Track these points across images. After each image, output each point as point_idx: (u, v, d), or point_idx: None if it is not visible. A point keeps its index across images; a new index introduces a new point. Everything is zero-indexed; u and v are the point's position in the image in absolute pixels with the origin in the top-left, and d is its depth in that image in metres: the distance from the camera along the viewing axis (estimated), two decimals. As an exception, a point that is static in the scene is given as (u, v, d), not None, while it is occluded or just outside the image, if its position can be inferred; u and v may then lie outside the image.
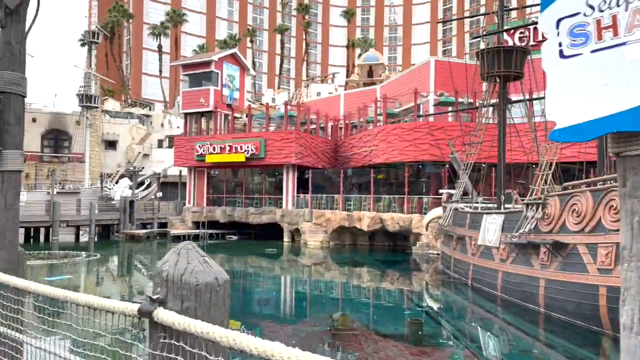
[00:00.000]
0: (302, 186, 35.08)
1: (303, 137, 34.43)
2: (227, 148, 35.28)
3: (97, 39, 52.22)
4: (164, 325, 2.16)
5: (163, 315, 2.16)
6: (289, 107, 36.92)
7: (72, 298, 2.60)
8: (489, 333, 13.73)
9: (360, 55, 73.44)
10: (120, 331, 2.55)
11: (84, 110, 51.19)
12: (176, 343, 2.13)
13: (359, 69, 59.46)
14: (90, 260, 26.67)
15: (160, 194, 46.06)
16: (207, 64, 38.25)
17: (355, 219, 30.26)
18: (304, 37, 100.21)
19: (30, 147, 53.97)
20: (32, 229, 35.77)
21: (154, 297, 2.25)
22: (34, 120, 55.00)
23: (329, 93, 57.32)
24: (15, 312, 3.48)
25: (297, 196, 34.67)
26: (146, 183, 48.91)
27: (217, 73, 38.28)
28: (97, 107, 52.77)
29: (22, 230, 34.35)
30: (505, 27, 22.69)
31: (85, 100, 50.42)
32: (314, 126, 37.82)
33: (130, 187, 46.62)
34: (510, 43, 30.68)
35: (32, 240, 35.91)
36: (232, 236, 37.06)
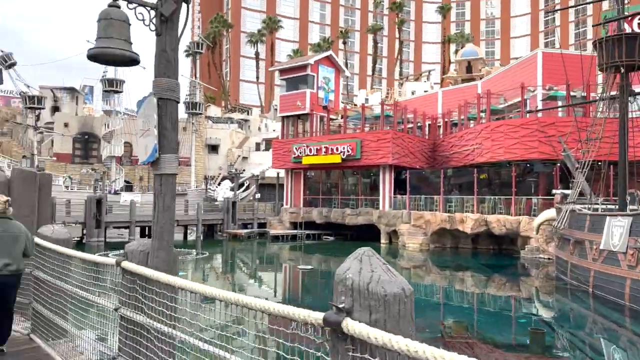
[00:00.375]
0: (398, 187, 34.50)
1: (400, 137, 33.85)
2: (323, 149, 35.61)
3: (201, 49, 55.25)
4: (353, 337, 2.02)
5: (354, 326, 2.01)
6: (385, 106, 36.47)
7: (244, 302, 2.55)
8: (615, 346, 12.50)
9: (457, 51, 71.03)
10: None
11: (190, 116, 54.41)
12: (371, 358, 1.97)
13: (456, 65, 57.48)
14: (199, 258, 28.14)
15: (258, 195, 47.66)
16: (304, 67, 38.91)
17: (457, 220, 29.15)
18: (398, 35, 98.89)
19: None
20: (147, 227, 38.55)
21: (340, 306, 2.11)
22: (145, 127, 59.43)
23: (425, 91, 55.99)
24: (172, 310, 3.57)
25: (394, 197, 34.13)
26: (245, 185, 50.86)
27: (313, 76, 38.81)
28: (201, 114, 55.84)
29: (138, 229, 37.19)
30: (625, 14, 20.64)
31: (191, 107, 53.56)
32: (410, 125, 37.05)
33: (232, 189, 48.75)
34: (628, 31, 27.99)
35: (146, 238, 38.71)
36: (329, 237, 37.35)
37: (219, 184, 55.32)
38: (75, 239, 30.96)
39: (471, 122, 35.43)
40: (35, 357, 5.21)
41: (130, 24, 3.67)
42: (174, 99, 3.79)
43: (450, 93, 41.39)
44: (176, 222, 37.37)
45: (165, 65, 3.73)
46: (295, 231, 37.00)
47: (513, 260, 26.60)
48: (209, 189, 50.89)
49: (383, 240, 33.52)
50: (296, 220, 38.09)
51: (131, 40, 3.70)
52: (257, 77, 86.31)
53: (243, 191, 50.55)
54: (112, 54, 3.58)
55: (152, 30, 3.72)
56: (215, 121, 65.64)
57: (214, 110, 70.19)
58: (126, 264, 3.79)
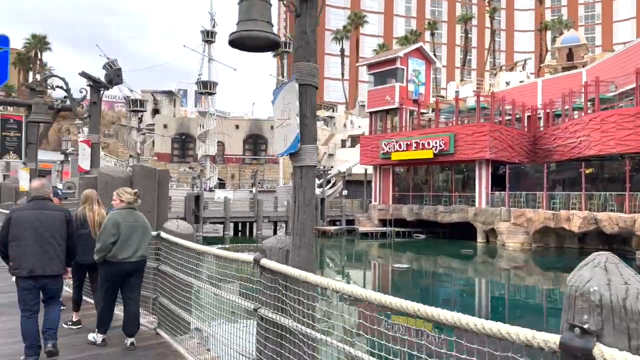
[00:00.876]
0: (495, 183, 32.73)
1: (497, 130, 32.07)
2: (414, 145, 34.63)
3: (289, 48, 56.08)
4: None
5: (612, 355, 1.54)
6: (480, 98, 34.74)
7: (416, 310, 2.15)
8: None
9: (554, 38, 66.44)
10: None
11: (278, 114, 55.52)
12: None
13: (555, 53, 53.68)
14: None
15: (345, 192, 47.55)
16: (392, 60, 38.11)
17: (562, 218, 27.05)
18: (489, 24, 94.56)
19: (235, 151, 60.51)
20: (239, 223, 39.80)
21: (585, 326, 1.65)
22: (237, 127, 61.54)
23: (520, 81, 52.82)
24: (313, 311, 3.29)
25: (492, 193, 32.42)
26: (332, 182, 50.92)
27: (403, 69, 37.88)
28: (288, 111, 56.79)
29: (232, 225, 38.46)
30: None
31: (279, 105, 54.61)
32: (508, 117, 35.01)
33: (319, 186, 49.06)
34: None
35: (239, 233, 39.98)
36: (420, 235, 36.33)
37: (306, 181, 55.92)
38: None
39: (575, 112, 32.79)
40: (164, 353, 5.20)
41: (271, 5, 3.42)
42: (314, 84, 3.48)
43: (551, 82, 38.64)
44: (267, 218, 38.41)
45: (305, 47, 3.44)
46: (385, 228, 36.39)
47: (627, 261, 23.97)
48: (297, 185, 51.54)
49: (479, 239, 31.98)
50: (385, 218, 37.44)
51: (272, 23, 3.44)
52: (342, 74, 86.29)
53: (329, 188, 50.67)
54: (255, 36, 3.33)
55: (291, 12, 3.44)
56: (301, 119, 66.44)
57: (301, 108, 71.13)
58: (266, 262, 3.55)
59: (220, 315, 4.68)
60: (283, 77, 59.47)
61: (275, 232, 40.60)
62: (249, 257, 3.78)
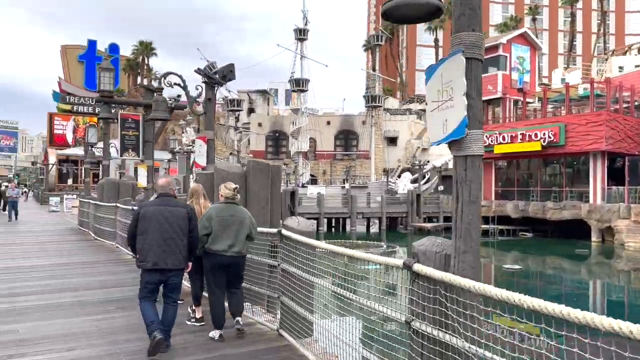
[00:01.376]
0: (611, 177, 29.77)
1: (615, 119, 29.11)
2: (519, 137, 32.44)
3: (381, 41, 55.23)
4: None
5: None
6: (594, 85, 31.75)
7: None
8: None
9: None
10: None
11: (370, 110, 54.90)
12: None
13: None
14: (389, 252, 27.81)
15: (441, 188, 45.88)
16: (494, 48, 35.99)
17: (697, 216, 23.95)
18: (599, 6, 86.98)
19: (326, 147, 60.83)
20: (333, 219, 39.79)
21: None
22: (328, 123, 61.80)
23: (636, 66, 47.75)
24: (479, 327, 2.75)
25: (608, 189, 29.52)
26: (426, 177, 49.36)
27: (505, 56, 35.65)
28: (380, 106, 55.95)
29: (326, 220, 38.53)
30: None
31: (371, 100, 53.96)
32: (626, 105, 31.67)
33: (413, 181, 47.80)
34: None
35: (332, 229, 39.97)
36: (526, 233, 34.05)
37: (398, 176, 54.83)
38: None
39: None
40: (290, 357, 4.91)
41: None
42: (479, 57, 2.92)
43: (678, 64, 34.45)
44: (361, 214, 38.05)
45: (470, 15, 2.90)
46: (487, 226, 34.50)
47: None
48: (390, 181, 50.66)
49: (594, 238, 29.28)
50: (487, 215, 35.50)
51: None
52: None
53: (424, 183, 49.19)
54: (415, 2, 2.84)
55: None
56: (393, 113, 65.27)
57: (392, 102, 69.91)
58: (421, 268, 3.06)
59: (346, 317, 4.28)
60: (374, 71, 58.60)
61: (368, 229, 40.08)
62: (396, 261, 3.32)
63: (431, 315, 3.04)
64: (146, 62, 75.65)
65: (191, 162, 40.79)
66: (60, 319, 6.25)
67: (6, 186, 29.51)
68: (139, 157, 11.97)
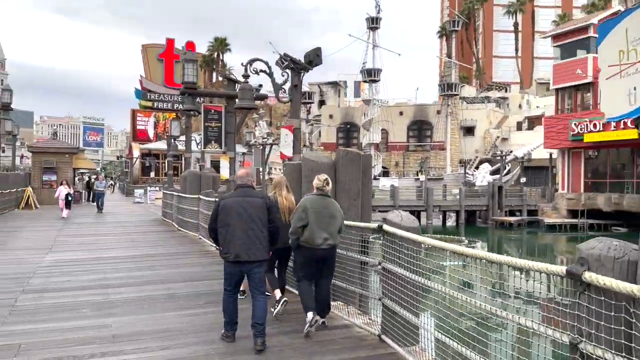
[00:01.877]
0: None
1: None
2: (613, 124, 29.79)
3: (457, 26, 53.07)
4: None
5: None
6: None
7: None
8: None
9: None
10: None
11: (445, 98, 52.97)
12: None
13: None
14: (470, 247, 26.55)
15: (523, 180, 43.44)
16: (583, 29, 33.32)
17: None
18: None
19: (399, 139, 59.54)
20: (408, 211, 38.67)
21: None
22: (400, 113, 60.40)
23: None
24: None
25: None
26: (507, 168, 46.93)
27: (596, 38, 32.84)
28: (457, 95, 53.84)
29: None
30: None
31: (446, 88, 52.04)
32: None
33: (492, 172, 45.62)
34: None
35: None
36: (620, 228, 31.34)
37: (476, 168, 52.58)
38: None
39: None
40: (398, 368, 4.40)
41: None
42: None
43: None
44: (438, 207, 36.79)
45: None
46: (576, 220, 32.15)
47: None
48: (467, 173, 48.68)
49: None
50: (575, 208, 33.07)
51: None
52: (517, 50, 79.39)
53: (504, 175, 46.83)
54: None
55: None
56: (470, 101, 62.68)
57: (468, 90, 67.16)
58: (594, 278, 2.41)
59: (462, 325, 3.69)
60: (450, 58, 56.42)
61: (444, 222, 38.70)
62: (557, 268, 2.69)
63: (610, 338, 2.39)
64: (221, 57, 77.65)
65: (266, 154, 41.35)
66: (152, 313, 6.12)
67: (95, 179, 31.24)
68: (221, 148, 11.89)
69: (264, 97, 11.20)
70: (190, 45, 68.98)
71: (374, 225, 5.26)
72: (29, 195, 25.42)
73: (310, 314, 5.22)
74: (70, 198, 20.47)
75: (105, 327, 5.51)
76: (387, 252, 4.97)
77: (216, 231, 5.01)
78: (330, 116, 63.44)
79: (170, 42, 64.68)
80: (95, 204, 24.77)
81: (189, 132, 15.84)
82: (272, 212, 5.12)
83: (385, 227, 4.96)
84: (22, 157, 66.60)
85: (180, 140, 19.54)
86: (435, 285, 4.14)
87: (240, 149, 50.03)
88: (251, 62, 9.23)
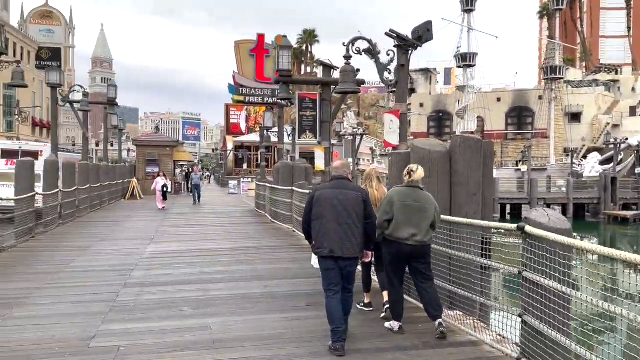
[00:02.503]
0: None
1: None
2: None
3: (561, 5, 48.88)
4: None
5: None
6: None
7: None
8: None
9: None
10: None
11: (548, 83, 49.07)
12: None
13: None
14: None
15: (638, 170, 39.14)
16: None
17: None
18: None
19: (496, 127, 56.26)
20: (507, 205, 36.30)
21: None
22: (498, 100, 56.99)
23: None
24: None
25: None
26: (619, 158, 42.51)
27: None
28: (561, 78, 49.70)
29: (498, 207, 35.24)
30: None
31: (550, 72, 48.17)
32: None
33: (606, 161, 41.56)
34: None
35: (507, 216, 36.49)
36: None
37: (584, 157, 48.30)
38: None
39: None
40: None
41: None
42: None
43: None
44: (543, 200, 34.09)
45: None
46: None
47: None
48: (574, 163, 44.82)
49: None
50: None
51: None
52: (628, 29, 72.01)
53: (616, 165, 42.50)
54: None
55: None
56: (575, 85, 57.70)
57: (573, 73, 61.91)
58: None
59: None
60: (554, 39, 52.10)
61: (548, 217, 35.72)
62: None
63: None
64: (309, 49, 78.09)
65: (357, 145, 40.71)
66: (252, 315, 5.70)
67: (191, 171, 32.37)
68: (315, 138, 11.37)
69: (362, 83, 10.48)
70: (279, 40, 70.64)
71: (510, 225, 4.38)
72: (134, 187, 26.77)
73: (396, 325, 5.08)
74: (166, 189, 20.23)
75: (204, 329, 5.14)
76: (531, 259, 4.07)
77: (310, 224, 4.80)
78: (421, 104, 61.40)
79: (261, 37, 66.40)
80: (192, 194, 25.50)
81: (281, 122, 15.51)
82: (369, 207, 4.85)
83: (530, 228, 4.06)
84: (128, 150, 71.50)
85: (273, 132, 19.32)
86: (618, 310, 3.18)
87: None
88: (353, 41, 8.51)
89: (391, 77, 8.40)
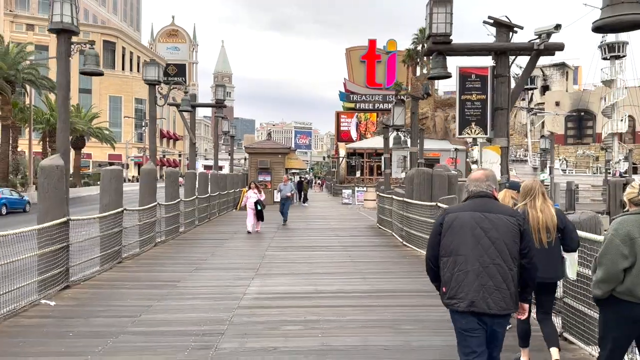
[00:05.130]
0: None
1: None
2: None
3: None
4: None
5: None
6: None
7: None
8: None
9: None
10: None
11: None
12: None
13: None
14: None
15: None
16: None
17: None
18: None
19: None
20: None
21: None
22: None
23: None
24: None
25: None
26: None
27: None
28: None
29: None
30: None
31: None
32: None
33: None
34: None
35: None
36: None
37: None
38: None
39: None
40: None
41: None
42: None
43: None
44: None
45: None
46: None
47: None
48: None
49: None
50: None
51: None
52: None
53: None
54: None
55: None
56: None
57: None
58: None
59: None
60: None
61: None
62: None
63: None
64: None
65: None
66: None
67: (305, 179, 30.14)
68: (485, 134, 7.94)
69: (559, 48, 6.92)
70: (392, 44, 67.60)
71: None
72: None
73: None
74: (259, 207, 14.71)
75: None
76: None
77: (437, 261, 3.36)
78: (557, 103, 54.37)
79: (372, 42, 64.48)
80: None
81: (414, 118, 12.17)
82: (527, 239, 3.31)
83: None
84: (245, 159, 72.84)
85: (402, 131, 16.22)
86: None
87: (446, 145, 45.23)
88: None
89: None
